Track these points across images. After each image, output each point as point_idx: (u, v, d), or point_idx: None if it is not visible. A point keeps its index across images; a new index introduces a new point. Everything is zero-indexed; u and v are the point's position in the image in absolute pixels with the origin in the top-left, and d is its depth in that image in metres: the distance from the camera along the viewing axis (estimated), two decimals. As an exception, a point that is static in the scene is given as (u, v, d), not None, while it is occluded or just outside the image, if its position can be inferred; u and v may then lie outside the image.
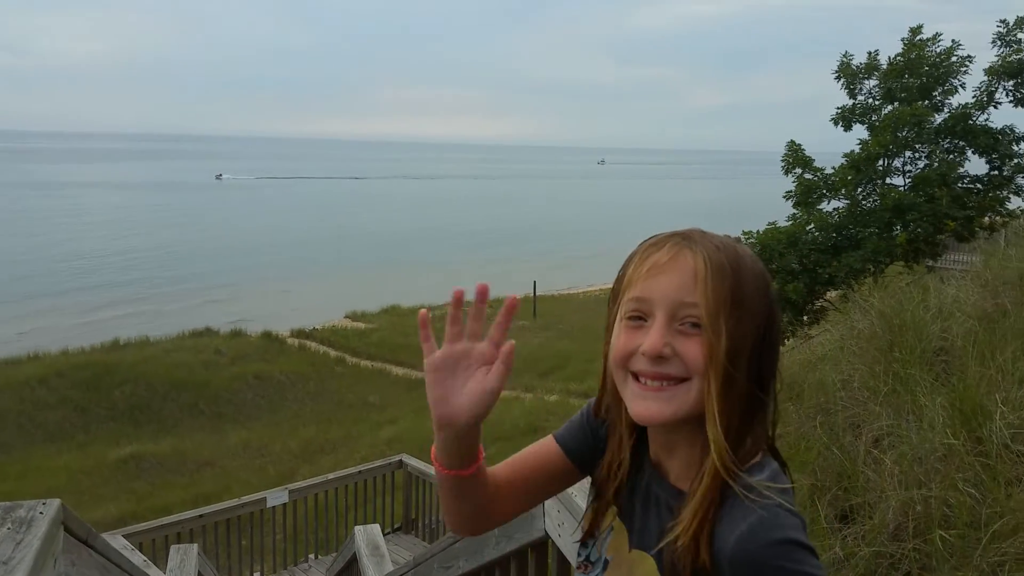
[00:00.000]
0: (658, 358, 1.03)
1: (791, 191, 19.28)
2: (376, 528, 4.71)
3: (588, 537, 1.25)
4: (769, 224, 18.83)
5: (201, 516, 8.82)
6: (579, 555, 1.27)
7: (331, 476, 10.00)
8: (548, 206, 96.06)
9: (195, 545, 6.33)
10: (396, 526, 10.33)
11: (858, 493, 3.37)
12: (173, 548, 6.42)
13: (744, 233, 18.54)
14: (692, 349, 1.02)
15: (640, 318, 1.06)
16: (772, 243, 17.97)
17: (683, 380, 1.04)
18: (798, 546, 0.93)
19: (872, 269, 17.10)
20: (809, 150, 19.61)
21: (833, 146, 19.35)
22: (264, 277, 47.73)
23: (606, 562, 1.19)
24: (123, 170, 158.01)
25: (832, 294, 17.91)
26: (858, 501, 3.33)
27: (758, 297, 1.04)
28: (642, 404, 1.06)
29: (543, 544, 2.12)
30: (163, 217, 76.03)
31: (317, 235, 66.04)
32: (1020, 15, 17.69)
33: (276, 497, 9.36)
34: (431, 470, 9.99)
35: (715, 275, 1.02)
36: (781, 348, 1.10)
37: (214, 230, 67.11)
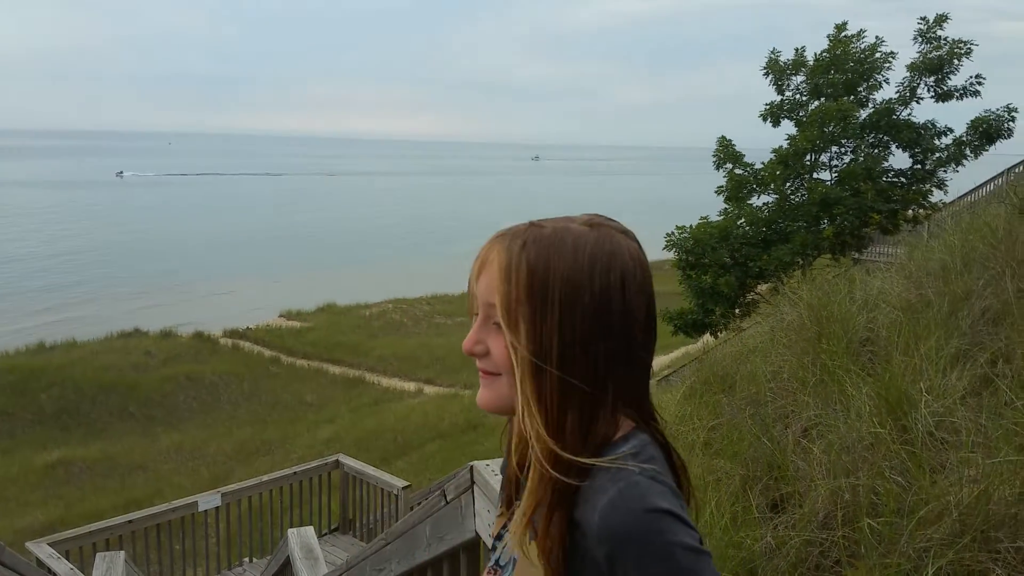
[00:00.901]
0: (471, 355, 1.11)
1: (722, 186, 19.63)
2: (310, 530, 4.62)
3: (497, 539, 1.24)
4: (701, 219, 19.16)
5: (131, 522, 8.60)
6: (489, 560, 1.26)
7: (265, 478, 9.84)
8: (484, 203, 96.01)
9: (122, 552, 6.13)
10: (333, 527, 10.22)
11: (788, 482, 3.42)
12: (99, 556, 6.22)
13: (678, 228, 18.84)
14: (498, 347, 1.08)
15: (477, 314, 1.12)
16: (704, 238, 18.29)
17: (498, 374, 1.10)
18: (664, 513, 0.94)
19: (801, 262, 17.54)
20: (740, 146, 19.99)
21: (764, 142, 19.77)
22: (194, 278, 46.64)
23: (514, 560, 1.17)
24: (30, 168, 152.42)
25: (763, 287, 18.30)
26: (789, 490, 3.37)
27: (577, 290, 1.03)
28: (479, 393, 1.14)
29: (475, 545, 2.09)
30: (67, 216, 73.46)
31: (243, 234, 64.76)
32: (939, 13, 18.28)
33: (208, 501, 9.16)
34: (368, 469, 9.91)
35: (512, 274, 1.04)
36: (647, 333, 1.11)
37: (128, 230, 65.16)
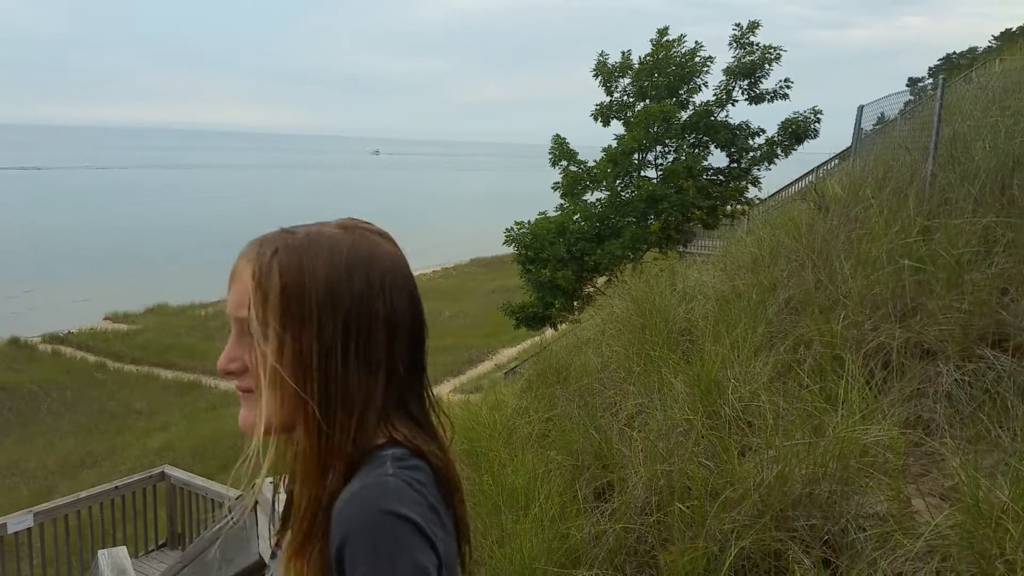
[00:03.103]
0: (227, 374, 1.04)
1: (559, 182, 20.14)
2: (122, 551, 4.34)
3: (272, 558, 1.18)
4: (540, 214, 19.58)
5: (-73, 547, 7.84)
6: None
7: (83, 495, 9.19)
8: (315, 196, 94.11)
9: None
10: (161, 542, 9.71)
11: (613, 471, 3.53)
12: None
13: (516, 224, 19.16)
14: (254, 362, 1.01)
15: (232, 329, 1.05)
16: (543, 232, 18.70)
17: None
18: (403, 520, 0.89)
19: (631, 256, 18.21)
20: (582, 143, 20.57)
21: (606, 140, 20.44)
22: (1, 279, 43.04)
23: None
24: None
25: (600, 280, 18.90)
26: (612, 478, 3.49)
27: (335, 294, 0.99)
28: (240, 414, 1.06)
29: (261, 568, 2.03)
30: None
31: (58, 230, 60.24)
32: (752, 20, 19.46)
33: (18, 522, 8.46)
34: (197, 480, 9.45)
35: (264, 281, 0.98)
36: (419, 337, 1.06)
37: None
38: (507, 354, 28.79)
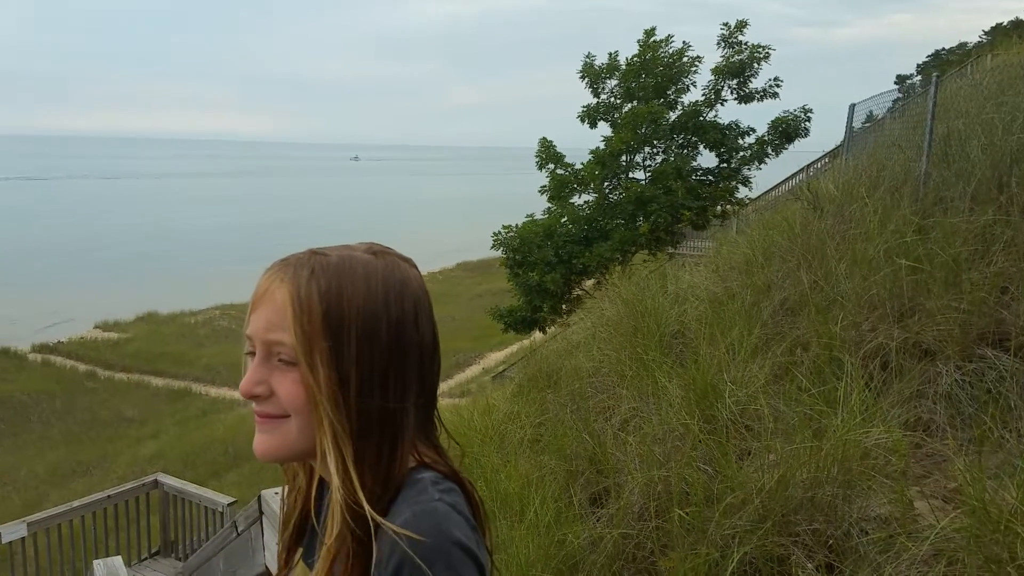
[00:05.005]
0: (251, 398, 1.00)
1: (546, 186, 20.09)
2: (117, 560, 4.29)
3: None
4: (527, 217, 19.53)
5: (-80, 561, 7.75)
6: None
7: (76, 504, 9.11)
8: (304, 203, 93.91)
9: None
10: (154, 551, 9.64)
11: (608, 476, 3.48)
12: None
13: (504, 227, 19.11)
14: (287, 387, 0.98)
15: (252, 353, 1.02)
16: (530, 236, 18.66)
17: (284, 417, 1.00)
18: (458, 547, 0.90)
19: (620, 258, 18.18)
20: (567, 146, 20.51)
21: (591, 142, 20.41)
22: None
23: None
24: None
25: (588, 283, 18.85)
26: (608, 483, 3.44)
27: (373, 320, 0.98)
28: (256, 440, 1.03)
29: None
30: None
31: (41, 240, 59.97)
32: (740, 19, 19.46)
33: (12, 531, 8.38)
34: (190, 487, 9.39)
35: (304, 305, 0.96)
36: (430, 353, 1.05)
37: None
38: (495, 358, 28.74)
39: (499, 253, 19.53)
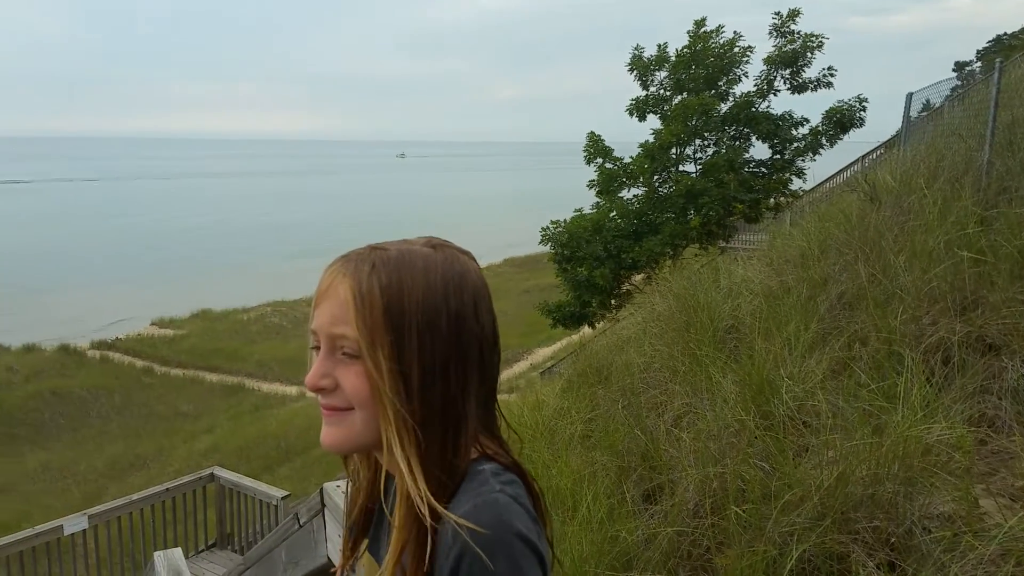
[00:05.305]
0: (316, 391, 1.04)
1: (594, 180, 19.96)
2: (177, 552, 4.38)
3: (342, 572, 1.18)
4: (575, 211, 19.45)
5: (-10, 550, 8.00)
6: None
7: (136, 497, 9.34)
8: (351, 201, 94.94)
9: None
10: (211, 543, 9.83)
11: (661, 472, 3.45)
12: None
13: (552, 223, 19.06)
14: (351, 380, 1.01)
15: (317, 347, 1.05)
16: (579, 231, 18.57)
17: (349, 409, 1.02)
18: (519, 538, 0.92)
19: (671, 252, 17.99)
20: (613, 139, 20.34)
21: (636, 135, 20.23)
22: (51, 287, 43.96)
23: None
24: None
25: (637, 278, 18.70)
26: (662, 480, 3.41)
27: (433, 313, 1.00)
28: (323, 432, 1.06)
29: (327, 571, 2.01)
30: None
31: (101, 239, 61.50)
32: (792, 8, 19.09)
33: (74, 524, 8.62)
34: (245, 481, 9.56)
35: (365, 300, 0.99)
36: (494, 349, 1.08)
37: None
38: (542, 354, 28.73)
39: (547, 248, 19.50)
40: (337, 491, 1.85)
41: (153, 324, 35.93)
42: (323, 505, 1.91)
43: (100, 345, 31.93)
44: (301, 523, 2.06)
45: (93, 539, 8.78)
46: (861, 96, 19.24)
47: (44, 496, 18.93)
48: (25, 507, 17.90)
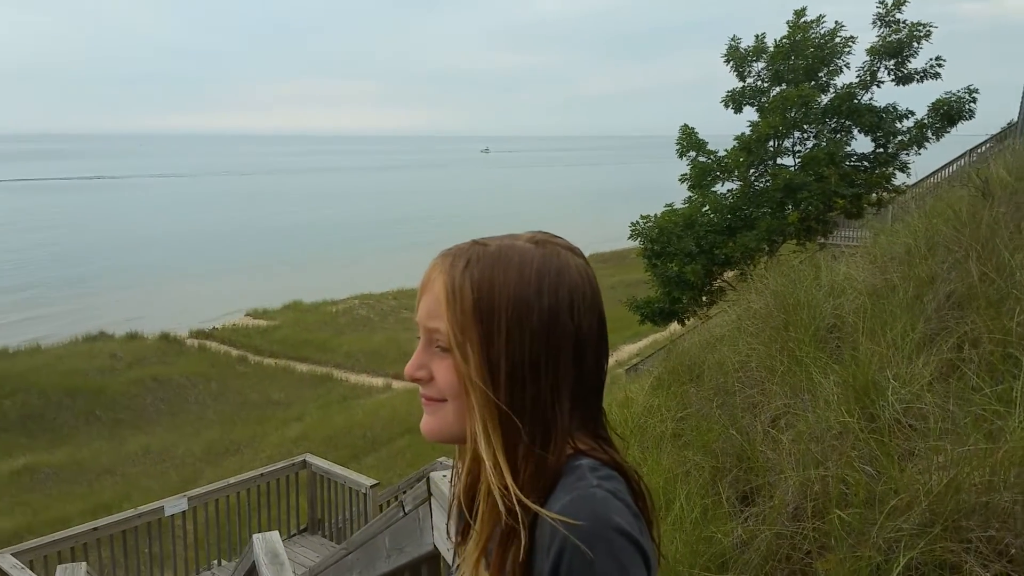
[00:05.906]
0: (414, 381, 1.07)
1: (686, 174, 19.64)
2: (275, 535, 4.51)
3: (455, 563, 1.19)
4: (666, 206, 19.18)
5: (96, 529, 8.43)
6: None
7: (232, 480, 9.69)
8: (428, 197, 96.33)
9: (83, 564, 5.99)
10: (302, 527, 10.11)
11: (759, 474, 3.37)
12: (60, 568, 6.07)
13: (642, 217, 18.85)
14: (443, 373, 1.03)
15: (420, 338, 1.09)
16: (669, 226, 18.32)
17: (443, 400, 1.05)
18: (619, 533, 0.90)
19: (767, 248, 17.57)
20: (705, 132, 19.97)
21: (728, 128, 19.85)
22: (156, 277, 46.08)
23: None
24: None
25: (729, 274, 18.34)
26: (759, 482, 3.33)
27: (524, 309, 1.00)
28: (423, 420, 1.10)
29: (435, 558, 2.03)
30: (35, 219, 72.57)
31: (206, 232, 64.15)
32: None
33: (174, 505, 9.01)
34: (336, 468, 9.81)
35: (456, 295, 1.01)
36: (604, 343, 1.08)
37: (90, 231, 64.32)
38: (628, 350, 28.50)
39: (635, 244, 19.29)
40: (444, 481, 1.88)
41: (248, 315, 37.22)
42: (429, 494, 1.93)
43: (198, 334, 33.31)
44: (406, 511, 2.09)
45: (192, 520, 9.15)
46: (971, 87, 18.36)
47: (144, 478, 19.82)
48: (126, 488, 18.79)
